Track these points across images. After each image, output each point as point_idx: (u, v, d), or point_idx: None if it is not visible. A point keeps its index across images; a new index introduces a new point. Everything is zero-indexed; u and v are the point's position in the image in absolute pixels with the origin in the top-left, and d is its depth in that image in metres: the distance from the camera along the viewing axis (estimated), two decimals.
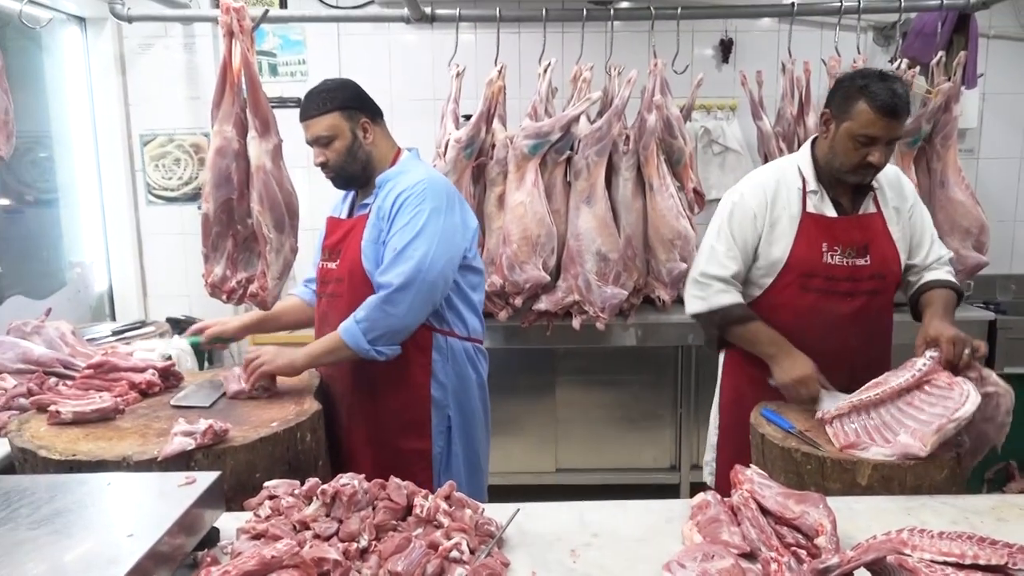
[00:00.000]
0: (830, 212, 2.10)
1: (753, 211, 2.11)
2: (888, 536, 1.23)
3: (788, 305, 2.11)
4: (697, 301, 2.17)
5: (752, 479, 1.44)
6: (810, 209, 2.09)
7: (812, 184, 2.11)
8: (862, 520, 1.44)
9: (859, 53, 3.30)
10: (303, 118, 2.10)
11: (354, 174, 2.13)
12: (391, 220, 2.02)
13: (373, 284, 2.03)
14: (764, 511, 1.36)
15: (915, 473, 1.64)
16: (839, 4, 3.26)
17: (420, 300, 1.98)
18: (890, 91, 1.93)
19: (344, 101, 2.08)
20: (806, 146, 2.18)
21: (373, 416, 2.12)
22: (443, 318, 2.11)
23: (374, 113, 2.15)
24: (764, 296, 2.16)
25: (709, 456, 2.42)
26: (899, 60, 3.29)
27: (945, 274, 2.18)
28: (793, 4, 3.33)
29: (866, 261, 2.10)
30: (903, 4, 3.25)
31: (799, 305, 2.10)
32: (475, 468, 2.22)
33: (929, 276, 2.18)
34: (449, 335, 2.13)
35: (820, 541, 1.26)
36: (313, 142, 2.10)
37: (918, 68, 3.31)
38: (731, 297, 2.13)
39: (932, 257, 2.20)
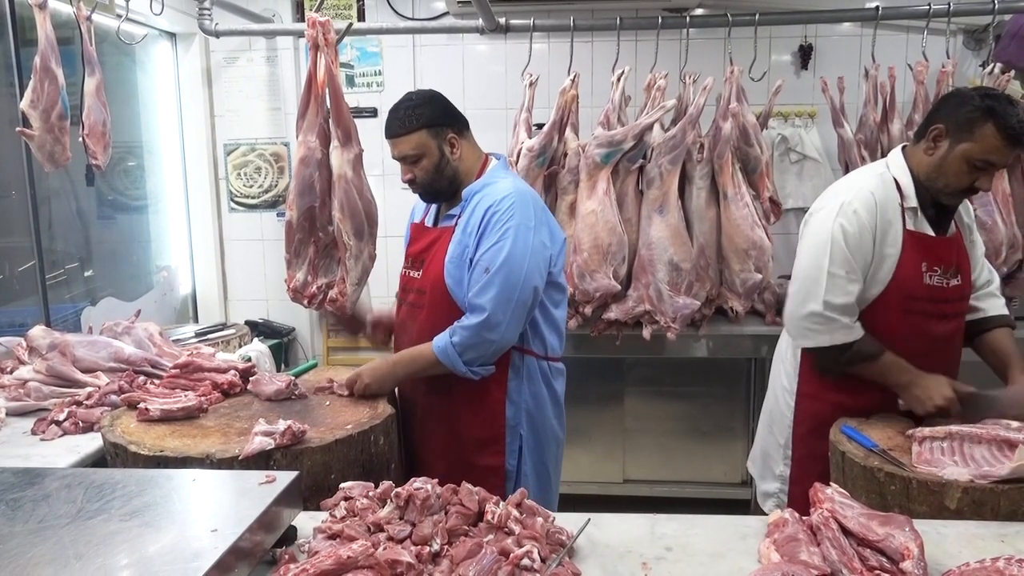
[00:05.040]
0: (928, 231, 2.00)
1: (870, 226, 1.94)
2: (982, 564, 1.17)
3: (890, 328, 1.99)
4: (817, 335, 1.99)
5: (833, 498, 1.39)
6: (910, 227, 1.98)
7: (912, 200, 1.98)
8: (951, 546, 1.37)
9: (948, 57, 3.17)
10: (389, 135, 2.06)
11: (442, 189, 2.10)
12: (478, 237, 1.98)
13: (456, 301, 2.01)
14: (846, 532, 1.31)
15: (1010, 498, 1.55)
16: (927, 7, 3.13)
17: (515, 320, 1.97)
18: (1018, 117, 1.82)
19: (430, 118, 2.03)
20: (898, 157, 2.04)
21: (448, 431, 2.10)
22: (523, 336, 2.06)
23: (461, 125, 2.10)
24: (864, 317, 2.00)
25: (773, 487, 2.30)
26: (992, 64, 3.15)
27: (1002, 307, 2.13)
28: (877, 8, 3.23)
29: (958, 281, 2.03)
30: (997, 6, 3.11)
31: (901, 328, 1.99)
32: (545, 487, 2.17)
33: (987, 307, 2.11)
34: (527, 353, 2.09)
35: (906, 566, 1.20)
36: (400, 160, 2.08)
37: (1012, 72, 3.16)
38: (856, 332, 1.96)
39: (983, 279, 2.13)
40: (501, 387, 2.07)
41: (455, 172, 2.08)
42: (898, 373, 1.96)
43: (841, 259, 1.94)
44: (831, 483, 1.49)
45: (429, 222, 2.21)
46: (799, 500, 2.08)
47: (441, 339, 1.98)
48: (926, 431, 1.75)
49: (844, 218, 1.94)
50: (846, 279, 1.94)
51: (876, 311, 1.99)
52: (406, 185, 2.12)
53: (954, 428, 1.73)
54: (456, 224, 2.06)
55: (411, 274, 2.16)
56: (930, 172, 1.95)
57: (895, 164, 2.03)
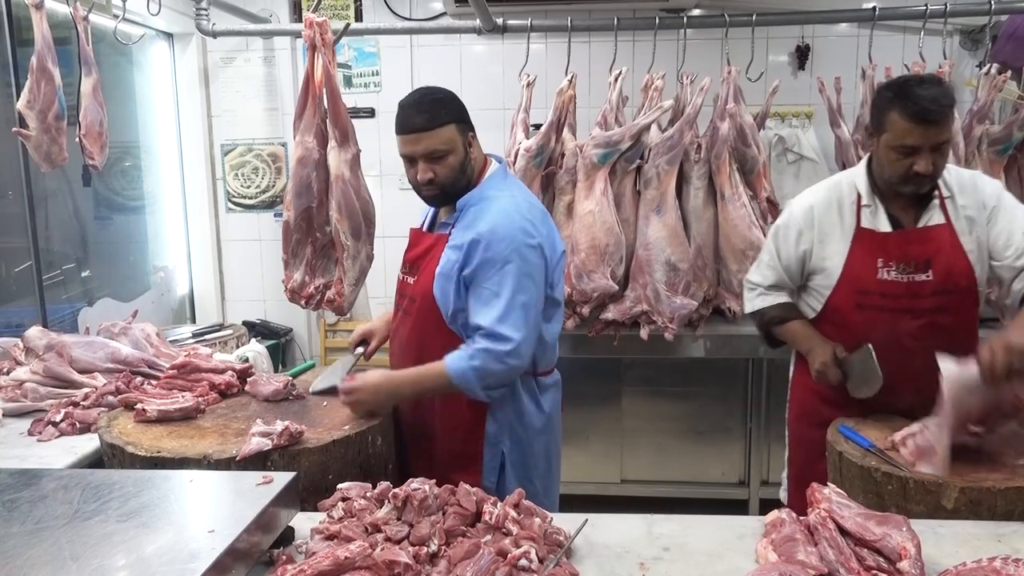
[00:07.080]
0: (884, 226, 2.02)
1: (799, 228, 2.11)
2: (979, 563, 1.17)
3: (845, 322, 2.06)
4: (745, 303, 2.31)
5: (830, 498, 1.39)
6: (864, 224, 2.03)
7: (866, 198, 2.05)
8: (948, 545, 1.38)
9: (945, 58, 3.18)
10: (411, 130, 1.89)
11: (459, 191, 1.96)
12: (475, 259, 1.88)
13: (442, 313, 1.94)
14: (843, 532, 1.31)
15: (1006, 498, 1.55)
16: (924, 7, 3.14)
17: (533, 343, 1.92)
18: (925, 97, 1.83)
19: (459, 113, 1.93)
20: (864, 159, 2.13)
21: (428, 443, 2.05)
22: None
23: (472, 125, 2.00)
24: (823, 311, 2.13)
25: (782, 473, 2.38)
26: (988, 65, 3.16)
27: None
28: (875, 9, 3.23)
29: (928, 276, 1.98)
30: (993, 6, 3.11)
31: (856, 322, 2.04)
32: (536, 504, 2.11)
33: None
34: None
35: (903, 566, 1.20)
36: (423, 157, 1.90)
37: (1009, 73, 3.16)
38: (771, 299, 2.21)
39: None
40: (481, 403, 1.96)
41: (473, 173, 1.98)
42: (802, 340, 2.14)
43: (767, 248, 2.22)
44: (828, 483, 1.49)
45: (424, 227, 2.13)
46: (793, 484, 2.26)
47: (458, 362, 1.86)
48: (903, 433, 1.76)
49: (783, 217, 2.21)
50: (766, 264, 2.21)
51: (831, 305, 2.10)
52: (407, 186, 2.00)
53: (924, 422, 1.73)
54: (450, 234, 1.97)
55: (407, 279, 2.09)
56: (876, 168, 2.03)
57: (859, 166, 2.13)
